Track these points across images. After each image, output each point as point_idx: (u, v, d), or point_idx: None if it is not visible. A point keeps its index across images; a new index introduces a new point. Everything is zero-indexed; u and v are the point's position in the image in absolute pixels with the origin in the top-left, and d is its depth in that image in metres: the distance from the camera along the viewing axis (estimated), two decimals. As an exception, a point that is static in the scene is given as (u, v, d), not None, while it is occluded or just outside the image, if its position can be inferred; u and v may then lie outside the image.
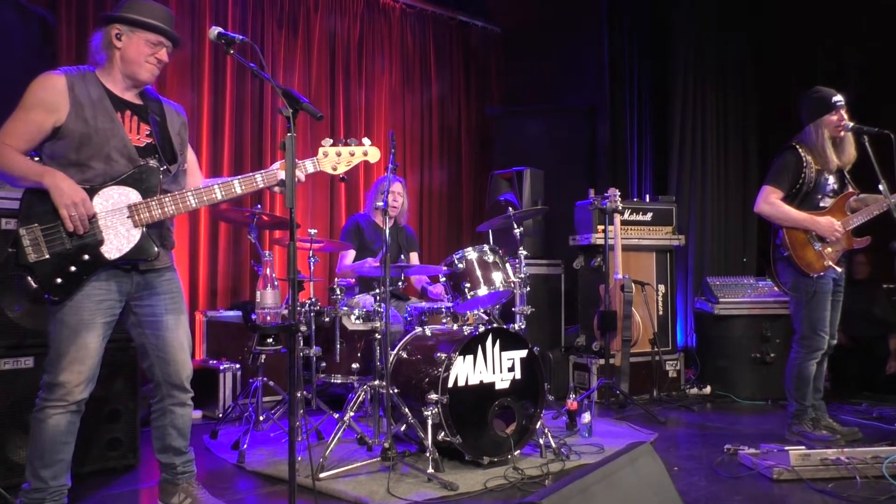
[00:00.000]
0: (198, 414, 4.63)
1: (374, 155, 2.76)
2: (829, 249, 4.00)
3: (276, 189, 2.73)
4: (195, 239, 5.62)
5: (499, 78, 7.91)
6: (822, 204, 4.07)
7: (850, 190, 4.12)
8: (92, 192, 2.47)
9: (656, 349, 5.53)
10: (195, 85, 5.64)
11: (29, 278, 2.40)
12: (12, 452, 3.08)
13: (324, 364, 4.01)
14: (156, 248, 2.57)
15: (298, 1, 6.28)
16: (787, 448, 3.46)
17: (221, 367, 4.68)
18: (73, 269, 2.43)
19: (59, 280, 2.41)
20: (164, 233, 2.69)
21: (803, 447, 3.49)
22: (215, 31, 2.49)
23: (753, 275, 6.16)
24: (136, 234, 2.53)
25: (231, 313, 5.21)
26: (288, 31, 6.21)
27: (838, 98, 4.00)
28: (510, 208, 4.60)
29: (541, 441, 3.71)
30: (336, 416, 3.90)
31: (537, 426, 3.71)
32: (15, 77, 3.88)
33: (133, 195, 2.53)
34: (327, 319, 3.99)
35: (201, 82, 5.69)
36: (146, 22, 2.56)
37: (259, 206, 4.05)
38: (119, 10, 2.60)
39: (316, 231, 4.10)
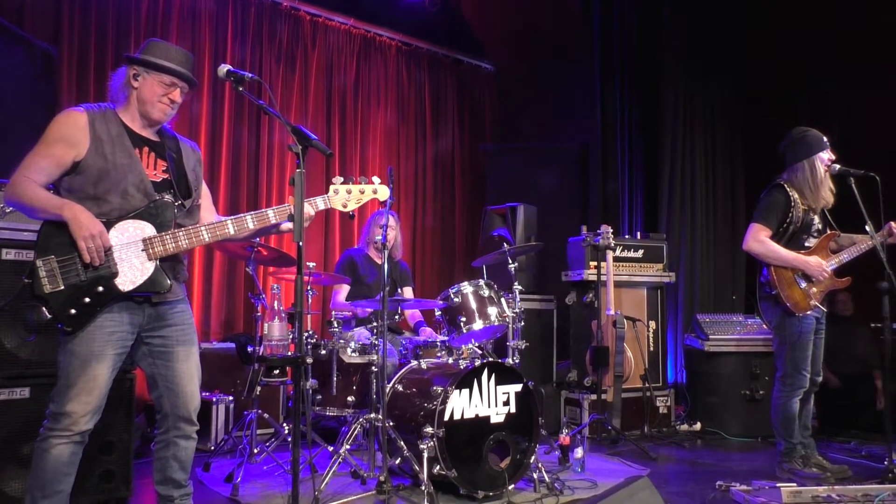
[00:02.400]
0: (190, 446, 4.59)
1: (382, 193, 2.82)
2: (815, 289, 4.04)
3: (284, 227, 2.78)
4: (189, 270, 5.59)
5: (492, 115, 8.04)
6: (806, 244, 4.12)
7: (830, 231, 4.17)
8: (108, 225, 2.51)
9: (647, 385, 5.56)
10: (193, 122, 5.71)
11: (44, 309, 2.42)
12: (6, 485, 3.03)
13: (319, 396, 4.01)
14: (169, 282, 2.60)
15: (297, 37, 6.41)
16: (778, 485, 3.47)
17: (214, 399, 4.66)
18: (87, 300, 2.45)
19: (73, 311, 2.43)
20: (177, 266, 2.72)
21: (794, 484, 3.51)
22: (224, 68, 2.55)
23: (742, 312, 6.21)
24: (149, 267, 2.56)
25: (224, 345, 5.20)
26: (286, 66, 6.32)
27: (826, 139, 4.10)
28: (504, 244, 4.65)
29: (534, 476, 3.72)
30: (330, 448, 3.89)
31: (531, 461, 3.71)
32: (19, 108, 3.95)
33: (148, 229, 2.57)
34: (324, 352, 4.00)
35: (199, 119, 5.76)
36: (159, 64, 2.63)
37: (257, 239, 4.08)
38: (140, 52, 2.68)
39: (314, 264, 4.13)
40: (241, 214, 2.72)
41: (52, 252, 2.44)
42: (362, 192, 2.76)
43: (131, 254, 2.53)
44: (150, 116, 2.66)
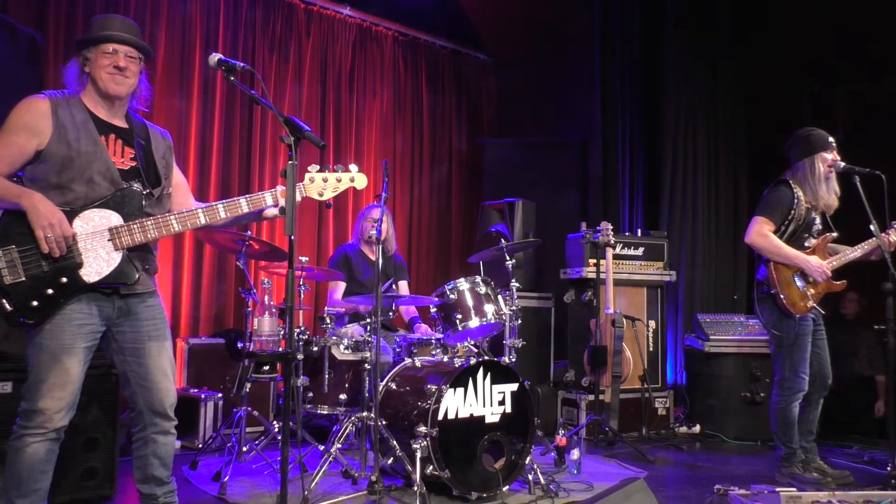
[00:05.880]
0: (176, 444, 4.50)
1: (360, 181, 2.72)
2: (813, 290, 3.98)
3: (268, 213, 2.71)
4: (179, 264, 5.53)
5: (490, 108, 7.95)
6: (806, 244, 4.05)
7: (829, 233, 4.10)
8: (72, 214, 2.44)
9: (646, 386, 5.49)
10: (183, 110, 5.60)
11: (4, 301, 2.34)
12: (-14, 481, 2.97)
13: (310, 394, 3.93)
14: (137, 273, 2.53)
15: (290, 26, 6.30)
16: (777, 489, 3.40)
17: (203, 396, 4.58)
18: (49, 291, 2.38)
19: (35, 303, 2.37)
20: (147, 257, 2.64)
21: (794, 489, 3.44)
22: (215, 57, 2.47)
23: (744, 312, 6.14)
24: (116, 258, 2.49)
25: (213, 340, 5.12)
26: (279, 56, 6.21)
27: (832, 139, 4.05)
28: (502, 240, 4.58)
29: (529, 477, 3.66)
30: (321, 447, 3.83)
31: (526, 462, 3.66)
32: (3, 95, 3.84)
33: (115, 218, 2.50)
34: (316, 349, 3.92)
35: (189, 107, 5.65)
36: (95, 36, 2.55)
37: (249, 232, 3.99)
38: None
39: (307, 259, 4.04)
40: (213, 203, 2.64)
41: (13, 242, 2.37)
42: (339, 181, 2.68)
43: (97, 244, 2.46)
44: (107, 92, 2.56)
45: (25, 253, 2.37)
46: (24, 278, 2.36)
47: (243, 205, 2.64)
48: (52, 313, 2.40)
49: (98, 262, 2.46)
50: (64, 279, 2.41)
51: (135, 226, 2.51)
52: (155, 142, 2.72)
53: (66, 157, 2.45)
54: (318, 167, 2.67)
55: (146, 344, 2.61)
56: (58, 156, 2.44)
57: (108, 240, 2.48)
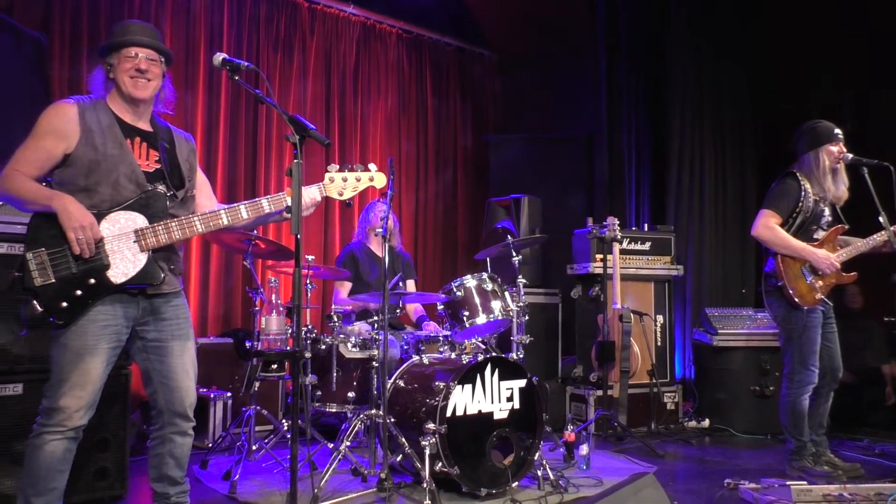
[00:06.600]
0: (187, 443, 4.53)
1: (380, 180, 2.77)
2: (821, 283, 3.96)
3: (287, 214, 2.73)
4: (186, 265, 5.53)
5: (495, 104, 7.93)
6: (815, 236, 4.03)
7: (839, 225, 4.08)
8: (99, 216, 2.48)
9: (654, 381, 5.48)
10: (188, 108, 5.61)
11: (34, 302, 2.39)
12: (-1, 482, 2.99)
13: (319, 392, 3.94)
14: (162, 273, 2.58)
15: (294, 25, 6.30)
16: (788, 483, 3.41)
17: (212, 396, 4.59)
18: (78, 293, 2.43)
19: (64, 304, 2.41)
20: (172, 257, 2.69)
21: (805, 482, 3.44)
22: (220, 56, 2.50)
23: (752, 306, 6.12)
24: (142, 259, 2.53)
25: (222, 340, 5.13)
26: (283, 54, 6.22)
27: (839, 130, 4.02)
28: (508, 236, 4.57)
29: (538, 473, 3.66)
30: (330, 445, 3.84)
31: (535, 458, 3.65)
32: (9, 98, 3.87)
33: (140, 220, 2.54)
34: (323, 347, 3.93)
35: (195, 107, 5.66)
36: (114, 42, 2.59)
37: (255, 231, 4.00)
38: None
39: (314, 257, 4.05)
40: (235, 204, 2.67)
41: (43, 244, 2.42)
42: (358, 180, 2.72)
43: (123, 245, 2.51)
44: (131, 96, 2.60)
45: (55, 255, 2.42)
46: (53, 280, 2.40)
47: (265, 205, 2.67)
48: (80, 314, 2.44)
49: (124, 264, 2.50)
50: (92, 280, 2.45)
51: (159, 227, 2.55)
52: (179, 145, 2.77)
53: (93, 161, 2.50)
54: (337, 167, 2.72)
55: (169, 343, 2.66)
56: (85, 159, 2.49)
57: (134, 241, 2.52)
